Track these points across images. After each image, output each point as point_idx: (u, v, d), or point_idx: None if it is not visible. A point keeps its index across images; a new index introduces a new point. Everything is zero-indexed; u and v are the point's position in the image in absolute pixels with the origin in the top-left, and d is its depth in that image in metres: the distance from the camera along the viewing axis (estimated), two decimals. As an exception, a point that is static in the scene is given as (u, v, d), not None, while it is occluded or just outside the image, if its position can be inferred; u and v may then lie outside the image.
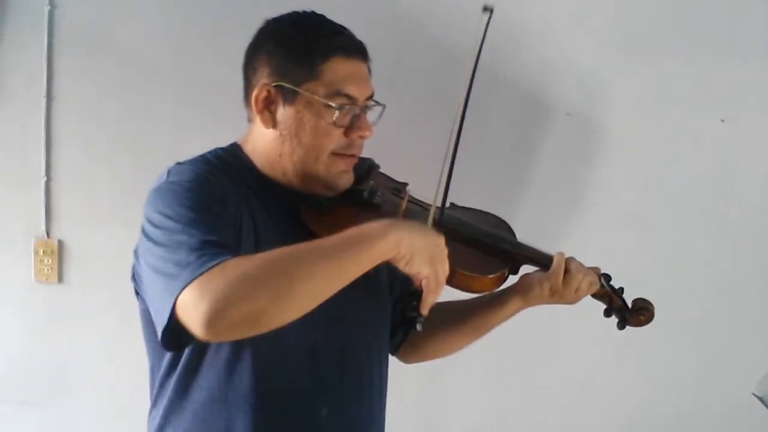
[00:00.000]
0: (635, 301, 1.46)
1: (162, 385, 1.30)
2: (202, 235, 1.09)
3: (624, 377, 1.95)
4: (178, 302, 1.03)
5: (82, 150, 1.89)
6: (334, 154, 1.27)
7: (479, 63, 1.33)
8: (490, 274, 1.33)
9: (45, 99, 1.87)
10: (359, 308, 1.32)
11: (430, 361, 1.56)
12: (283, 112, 1.26)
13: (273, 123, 1.27)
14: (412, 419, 1.93)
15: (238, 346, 1.20)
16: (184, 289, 1.02)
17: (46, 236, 1.90)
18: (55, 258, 1.91)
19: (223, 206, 1.18)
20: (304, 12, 1.31)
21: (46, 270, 1.91)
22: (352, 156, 1.30)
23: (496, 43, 1.86)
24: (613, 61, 1.85)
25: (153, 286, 1.12)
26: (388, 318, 1.43)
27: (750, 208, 1.89)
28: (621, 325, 1.46)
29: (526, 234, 1.86)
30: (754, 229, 1.90)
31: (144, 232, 1.19)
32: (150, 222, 1.18)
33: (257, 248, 1.19)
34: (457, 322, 1.47)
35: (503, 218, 1.49)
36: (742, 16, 1.83)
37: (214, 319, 0.99)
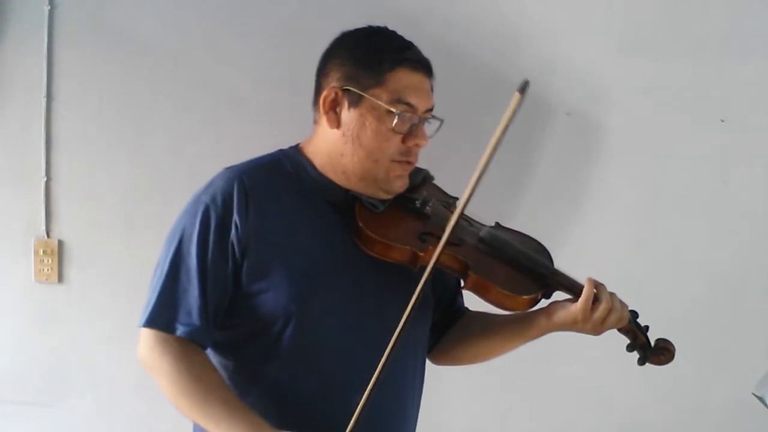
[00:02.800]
0: (658, 341, 1.48)
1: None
2: (171, 294, 1.32)
3: (624, 377, 1.95)
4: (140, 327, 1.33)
5: (82, 150, 1.89)
6: (393, 160, 1.37)
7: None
8: (525, 294, 1.38)
9: (45, 99, 1.87)
10: (399, 306, 1.33)
11: (459, 366, 1.60)
12: (347, 114, 1.36)
13: (338, 123, 1.36)
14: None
15: (279, 334, 1.33)
16: (140, 325, 1.33)
17: (46, 236, 1.90)
18: (55, 258, 1.91)
19: (223, 239, 1.32)
20: (378, 27, 1.42)
21: (46, 270, 1.91)
22: (409, 163, 1.39)
23: (496, 43, 1.87)
24: (613, 61, 1.85)
25: (151, 281, 1.37)
26: (428, 317, 1.49)
27: (749, 208, 1.89)
28: (641, 362, 1.49)
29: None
30: (753, 229, 1.90)
31: (169, 231, 1.38)
32: (170, 231, 1.37)
33: (291, 236, 1.34)
34: (488, 333, 1.52)
35: (539, 240, 1.54)
36: (742, 16, 1.84)
37: (142, 364, 1.34)
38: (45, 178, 1.89)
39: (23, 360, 1.96)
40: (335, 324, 1.35)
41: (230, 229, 1.32)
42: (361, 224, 1.34)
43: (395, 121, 1.34)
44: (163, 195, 1.88)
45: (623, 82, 1.86)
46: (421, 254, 1.34)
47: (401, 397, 1.42)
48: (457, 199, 1.48)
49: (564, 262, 1.87)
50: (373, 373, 1.25)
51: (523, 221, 1.87)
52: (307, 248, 1.35)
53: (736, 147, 1.87)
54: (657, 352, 1.47)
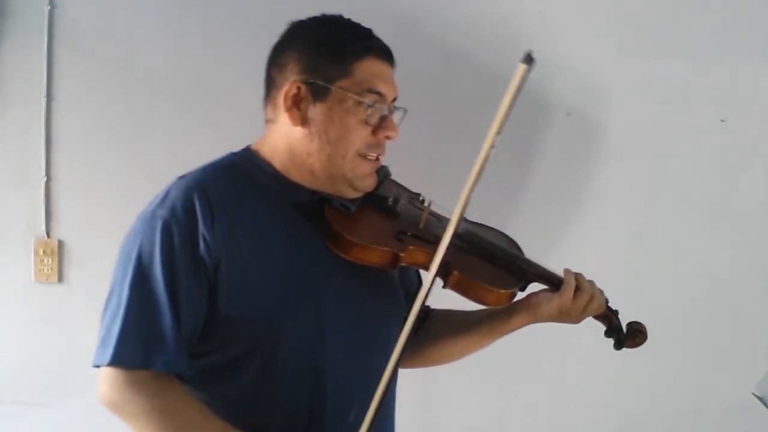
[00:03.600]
0: (630, 324, 1.50)
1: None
2: (138, 324, 1.18)
3: (623, 377, 1.95)
4: (100, 368, 1.20)
5: (82, 150, 1.89)
6: (360, 155, 1.29)
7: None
8: (507, 288, 1.37)
9: (45, 99, 1.87)
10: (383, 310, 1.35)
11: (428, 367, 1.56)
12: (313, 110, 1.27)
13: (302, 120, 1.28)
14: (411, 419, 1.92)
15: (267, 358, 1.23)
16: (104, 363, 1.18)
17: (46, 236, 1.90)
18: (55, 258, 1.91)
19: (191, 255, 1.19)
20: (333, 15, 1.34)
21: (46, 270, 1.91)
22: (376, 159, 1.32)
23: (496, 43, 1.87)
24: (613, 61, 1.85)
25: (104, 311, 1.24)
26: (401, 319, 1.43)
27: (750, 208, 1.89)
28: (618, 346, 1.50)
29: (526, 234, 1.86)
30: (754, 229, 1.90)
31: (119, 254, 1.25)
32: (121, 254, 1.24)
33: (262, 250, 1.23)
34: (464, 330, 1.49)
35: (504, 228, 1.52)
36: (742, 16, 1.83)
37: (110, 407, 1.20)
38: (45, 178, 1.89)
39: (23, 360, 1.96)
40: (322, 339, 1.26)
41: (198, 244, 1.19)
42: (335, 227, 1.27)
43: (367, 113, 1.27)
44: (163, 195, 1.89)
45: (623, 82, 1.85)
46: (402, 255, 1.29)
47: (388, 403, 1.38)
48: (419, 194, 1.47)
49: (564, 263, 1.88)
50: (365, 385, 1.20)
51: (523, 221, 1.87)
52: (282, 262, 1.25)
53: (736, 147, 1.87)
54: (632, 335, 1.48)
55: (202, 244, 1.19)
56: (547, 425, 1.98)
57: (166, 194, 1.24)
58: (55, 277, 1.92)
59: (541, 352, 1.93)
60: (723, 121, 1.86)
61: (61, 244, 1.91)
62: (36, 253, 1.91)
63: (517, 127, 1.89)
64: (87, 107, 1.88)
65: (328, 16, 1.34)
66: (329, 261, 1.27)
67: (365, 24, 1.38)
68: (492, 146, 1.16)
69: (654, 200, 1.90)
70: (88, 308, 1.92)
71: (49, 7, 1.85)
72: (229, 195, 1.25)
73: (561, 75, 1.86)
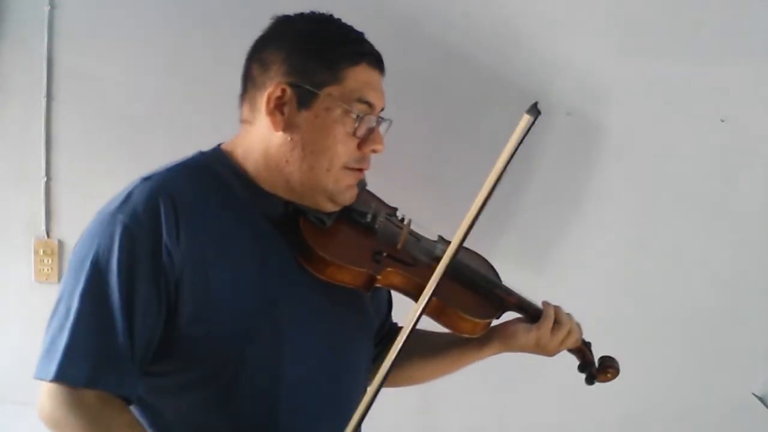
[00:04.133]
0: (603, 359, 1.46)
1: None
2: (88, 338, 1.07)
3: (623, 377, 1.95)
4: (40, 383, 1.08)
5: (82, 150, 1.89)
6: (345, 167, 1.20)
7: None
8: (484, 318, 1.31)
9: (45, 99, 1.87)
10: (353, 329, 1.29)
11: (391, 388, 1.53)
12: (297, 115, 1.18)
13: (284, 126, 1.18)
14: (411, 419, 1.92)
15: (231, 379, 1.14)
16: (47, 378, 1.06)
17: (46, 236, 1.90)
18: (55, 258, 1.91)
19: (152, 267, 1.09)
20: (323, 14, 1.25)
21: (46, 270, 1.91)
22: (360, 171, 1.23)
23: (496, 43, 1.87)
24: (613, 61, 1.85)
25: (50, 319, 1.12)
26: (373, 337, 1.39)
27: (750, 207, 1.89)
28: (589, 381, 1.47)
29: (526, 234, 1.87)
30: (754, 229, 1.90)
31: (71, 257, 1.15)
32: (74, 258, 1.13)
33: (228, 264, 1.14)
34: (435, 353, 1.43)
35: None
36: (742, 16, 1.83)
37: (50, 425, 1.08)
38: (45, 178, 1.89)
39: (23, 360, 1.94)
40: (290, 359, 1.17)
41: (160, 255, 1.08)
42: (310, 243, 1.18)
43: (355, 124, 1.18)
44: (163, 195, 1.88)
45: (623, 82, 1.85)
46: (378, 277, 1.21)
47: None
48: (396, 209, 1.39)
49: (564, 263, 1.88)
50: (333, 406, 1.16)
51: (523, 221, 1.88)
52: (249, 277, 1.16)
53: (736, 147, 1.87)
54: (603, 371, 1.45)
55: (164, 255, 1.09)
56: (547, 425, 1.98)
57: (128, 196, 1.14)
58: (55, 277, 1.92)
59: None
60: (723, 121, 1.86)
61: (61, 244, 1.91)
62: (36, 253, 1.91)
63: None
64: (87, 107, 1.88)
65: (318, 14, 1.24)
66: (299, 277, 1.19)
67: (365, 24, 1.35)
68: (491, 191, 1.13)
69: (654, 200, 1.90)
70: (88, 308, 1.93)
71: (49, 7, 1.84)
72: (197, 203, 1.15)
73: (561, 75, 1.86)
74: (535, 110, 1.06)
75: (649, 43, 1.85)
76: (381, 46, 1.34)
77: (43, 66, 1.86)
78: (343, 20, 1.31)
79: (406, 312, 1.38)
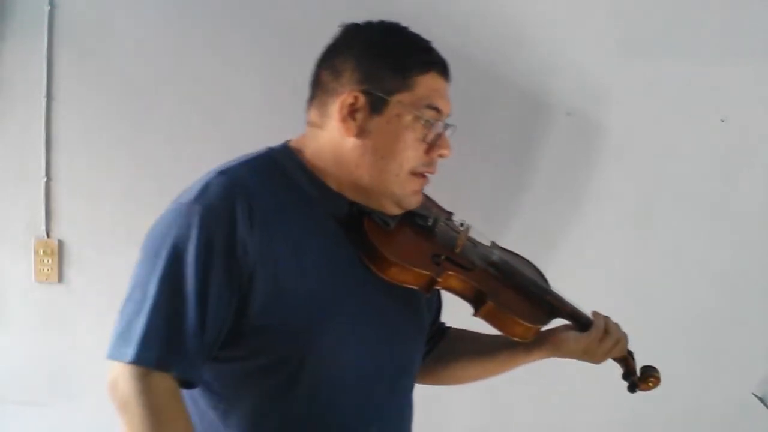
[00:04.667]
0: (645, 368, 1.49)
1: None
2: (163, 324, 1.10)
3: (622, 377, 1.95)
4: (113, 362, 1.11)
5: (82, 150, 1.89)
6: (411, 173, 1.24)
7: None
8: (536, 324, 1.34)
9: (45, 99, 1.87)
10: (409, 330, 1.33)
11: (436, 386, 1.54)
12: (369, 122, 1.21)
13: (357, 132, 1.21)
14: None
15: (294, 371, 1.18)
16: (125, 360, 1.09)
17: (46, 236, 1.90)
18: (55, 258, 1.91)
19: (227, 259, 1.12)
20: (392, 22, 1.29)
21: (46, 270, 1.91)
22: (425, 176, 1.27)
23: (496, 43, 1.87)
24: (613, 61, 1.85)
25: (125, 302, 1.15)
26: (425, 339, 1.42)
27: (750, 208, 1.89)
28: (631, 389, 1.50)
29: (526, 234, 1.86)
30: (754, 229, 1.90)
31: (145, 244, 1.17)
32: (149, 245, 1.16)
33: (298, 259, 1.18)
34: (482, 355, 1.46)
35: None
36: (742, 16, 1.83)
37: (119, 401, 1.11)
38: (45, 178, 1.89)
39: (23, 360, 1.96)
40: (350, 356, 1.22)
41: (236, 249, 1.12)
42: (374, 243, 1.21)
43: (424, 130, 1.22)
44: (163, 195, 1.87)
45: (623, 82, 1.85)
46: (439, 279, 1.25)
47: (407, 416, 1.37)
48: (452, 213, 1.43)
49: (564, 262, 1.88)
50: (388, 404, 1.20)
51: (523, 221, 1.88)
52: (317, 274, 1.19)
53: (736, 147, 1.87)
54: (645, 380, 1.48)
55: (239, 249, 1.12)
56: (548, 425, 1.98)
57: (205, 187, 1.16)
58: (55, 277, 1.92)
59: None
60: (723, 121, 1.86)
61: (61, 244, 1.91)
62: (36, 253, 1.91)
63: (517, 127, 1.90)
64: (87, 107, 1.88)
65: (387, 23, 1.28)
66: (363, 276, 1.23)
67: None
68: None
69: (654, 200, 1.90)
70: (88, 308, 1.93)
71: (49, 7, 1.85)
72: (270, 198, 1.18)
73: (561, 75, 1.86)
74: None
75: (649, 43, 1.85)
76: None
77: (43, 66, 1.86)
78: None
79: (453, 313, 1.43)
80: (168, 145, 1.89)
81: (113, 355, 1.12)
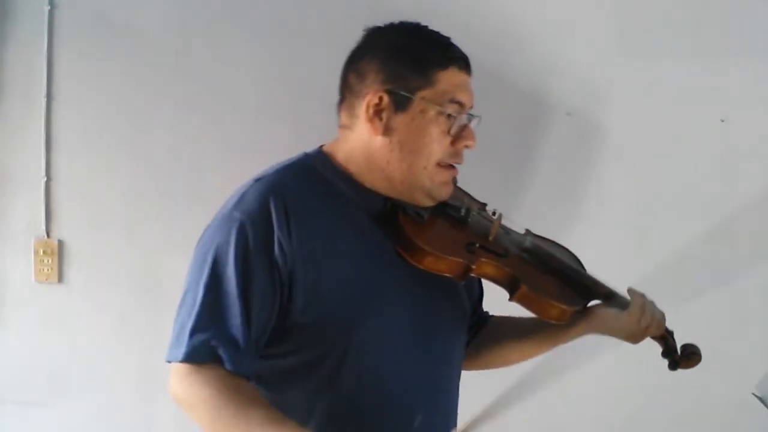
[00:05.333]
0: (685, 346, 1.52)
1: None
2: (210, 322, 1.17)
3: (624, 377, 1.95)
4: (171, 362, 1.18)
5: (82, 150, 1.89)
6: (439, 165, 1.28)
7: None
8: (572, 305, 1.37)
9: (45, 99, 1.87)
10: (448, 318, 1.36)
11: (484, 370, 1.57)
12: (395, 119, 1.26)
13: (383, 130, 1.26)
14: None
15: (338, 363, 1.23)
16: (177, 360, 1.16)
17: (46, 236, 1.90)
18: (55, 258, 1.91)
19: (266, 258, 1.19)
20: (413, 22, 1.34)
21: (46, 270, 1.91)
22: (453, 168, 1.31)
23: (496, 43, 1.87)
24: (613, 61, 1.85)
25: (179, 309, 1.22)
26: (467, 326, 1.46)
27: (750, 208, 1.89)
28: (672, 367, 1.53)
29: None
30: (754, 229, 1.90)
31: (195, 254, 1.25)
32: (197, 254, 1.24)
33: (337, 256, 1.23)
34: (525, 335, 1.49)
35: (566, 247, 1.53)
36: (742, 16, 1.84)
37: (180, 401, 1.17)
38: (45, 178, 1.89)
39: (23, 360, 1.96)
40: (391, 346, 1.27)
41: (273, 248, 1.19)
42: (409, 235, 1.26)
43: (448, 123, 1.27)
44: (163, 195, 1.88)
45: (623, 82, 1.86)
46: (473, 267, 1.29)
47: (452, 405, 1.39)
48: (485, 204, 1.47)
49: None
50: (431, 394, 1.23)
51: (523, 221, 1.87)
52: (355, 268, 1.25)
53: (736, 147, 1.87)
54: (687, 357, 1.50)
55: (277, 248, 1.19)
56: (548, 425, 1.98)
57: (242, 196, 1.24)
58: (55, 277, 1.91)
59: (544, 354, 1.93)
60: (723, 121, 1.86)
61: (61, 244, 1.91)
62: (36, 253, 1.90)
63: (517, 127, 1.91)
64: (87, 107, 1.88)
65: (407, 23, 1.33)
66: (400, 268, 1.28)
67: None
68: None
69: (654, 200, 1.90)
70: (88, 308, 1.93)
71: (49, 7, 1.84)
72: (305, 200, 1.24)
73: (561, 75, 1.86)
74: None
75: (649, 43, 1.85)
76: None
77: (43, 66, 1.86)
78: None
79: (495, 301, 1.45)
80: (168, 145, 1.89)
81: (168, 357, 1.18)
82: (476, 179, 1.84)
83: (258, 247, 1.19)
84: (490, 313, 1.56)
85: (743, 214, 1.89)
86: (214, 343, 1.16)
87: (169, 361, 1.18)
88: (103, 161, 1.89)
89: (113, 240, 1.90)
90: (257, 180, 1.27)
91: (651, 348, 1.92)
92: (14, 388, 1.95)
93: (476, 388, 1.94)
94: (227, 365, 1.15)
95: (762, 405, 1.51)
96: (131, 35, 1.87)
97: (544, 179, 1.89)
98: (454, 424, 1.40)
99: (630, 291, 1.44)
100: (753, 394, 1.51)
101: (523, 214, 1.86)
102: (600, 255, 1.89)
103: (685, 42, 1.85)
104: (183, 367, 1.16)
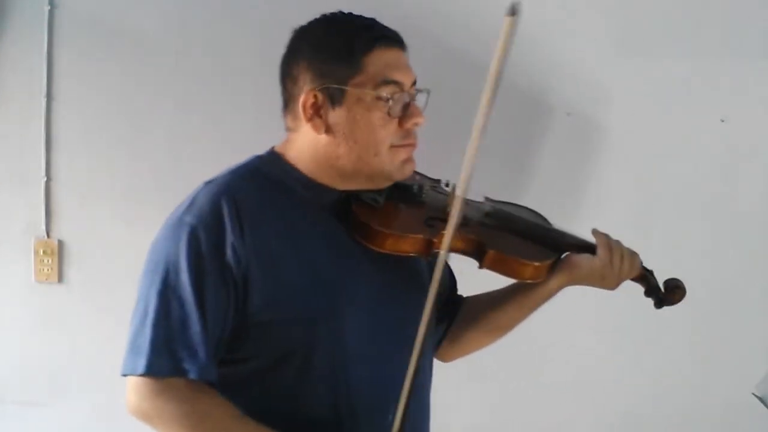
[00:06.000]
0: (667, 281, 1.50)
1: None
2: (168, 332, 1.15)
3: (624, 377, 1.95)
4: (128, 377, 1.16)
5: (82, 150, 1.89)
6: (393, 146, 1.26)
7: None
8: (543, 260, 1.36)
9: (45, 99, 1.87)
10: (416, 308, 1.29)
11: (467, 355, 1.54)
12: (333, 115, 1.24)
13: (325, 128, 1.25)
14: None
15: (301, 365, 1.21)
16: (137, 373, 1.14)
17: (46, 236, 1.90)
18: (55, 258, 1.91)
19: (218, 262, 1.17)
20: (332, 13, 1.30)
21: (46, 270, 1.91)
22: (411, 145, 1.29)
23: (496, 43, 1.87)
24: (613, 61, 1.85)
25: (132, 318, 1.20)
26: (435, 315, 1.41)
27: (750, 208, 1.89)
28: (658, 305, 1.50)
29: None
30: (754, 229, 1.90)
31: (146, 262, 1.23)
32: (148, 262, 1.22)
33: (295, 253, 1.21)
34: (503, 302, 1.46)
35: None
36: (742, 16, 1.84)
37: (140, 416, 1.16)
38: (45, 178, 1.89)
39: (23, 360, 1.96)
40: (358, 339, 1.24)
41: (225, 252, 1.17)
42: (367, 221, 1.26)
43: (387, 106, 1.23)
44: (163, 195, 1.87)
45: (623, 82, 1.86)
46: (435, 240, 1.28)
47: (424, 399, 1.38)
48: (438, 180, 1.46)
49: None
50: (401, 385, 1.18)
51: (523, 221, 1.87)
52: (313, 263, 1.23)
53: (736, 147, 1.87)
54: (671, 292, 1.48)
55: (229, 251, 1.17)
56: (547, 425, 1.98)
57: (193, 200, 1.22)
58: (55, 277, 1.92)
59: (541, 351, 1.93)
60: (723, 121, 1.86)
61: (61, 244, 1.91)
62: (36, 253, 1.91)
63: (517, 127, 1.90)
64: (87, 107, 1.88)
65: (327, 15, 1.30)
66: (362, 257, 1.26)
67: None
68: (490, 107, 1.16)
69: (654, 200, 1.90)
70: (88, 308, 1.93)
71: (49, 7, 1.84)
72: (258, 200, 1.23)
73: (561, 75, 1.86)
74: (514, 10, 1.13)
75: (649, 43, 1.85)
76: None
77: (43, 66, 1.86)
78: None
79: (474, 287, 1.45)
80: (168, 145, 1.89)
81: (125, 371, 1.16)
82: (476, 179, 1.85)
83: (210, 250, 1.17)
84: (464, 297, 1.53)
85: (743, 214, 1.89)
86: (177, 354, 1.13)
87: (125, 375, 1.15)
88: (103, 161, 1.89)
89: (113, 240, 1.90)
90: (208, 183, 1.25)
91: (651, 348, 1.93)
92: (14, 388, 1.96)
93: (477, 387, 1.95)
94: (192, 375, 1.13)
95: (762, 405, 1.51)
96: (131, 35, 1.86)
97: (544, 179, 1.89)
98: (429, 413, 1.40)
99: (593, 232, 1.41)
100: (753, 394, 1.51)
101: (523, 214, 1.88)
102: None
103: (685, 42, 1.85)
104: (146, 382, 1.13)
